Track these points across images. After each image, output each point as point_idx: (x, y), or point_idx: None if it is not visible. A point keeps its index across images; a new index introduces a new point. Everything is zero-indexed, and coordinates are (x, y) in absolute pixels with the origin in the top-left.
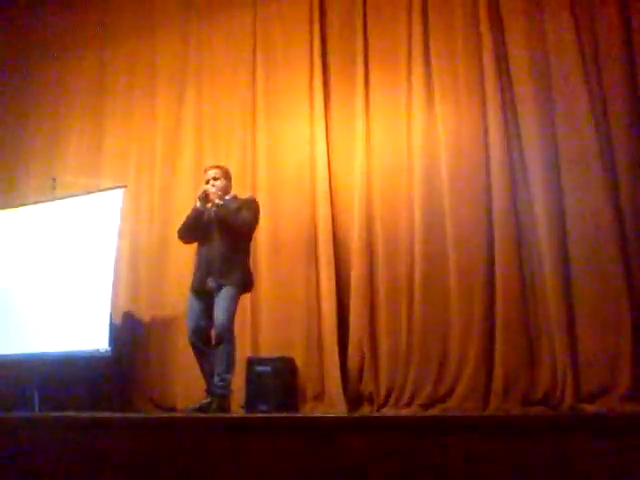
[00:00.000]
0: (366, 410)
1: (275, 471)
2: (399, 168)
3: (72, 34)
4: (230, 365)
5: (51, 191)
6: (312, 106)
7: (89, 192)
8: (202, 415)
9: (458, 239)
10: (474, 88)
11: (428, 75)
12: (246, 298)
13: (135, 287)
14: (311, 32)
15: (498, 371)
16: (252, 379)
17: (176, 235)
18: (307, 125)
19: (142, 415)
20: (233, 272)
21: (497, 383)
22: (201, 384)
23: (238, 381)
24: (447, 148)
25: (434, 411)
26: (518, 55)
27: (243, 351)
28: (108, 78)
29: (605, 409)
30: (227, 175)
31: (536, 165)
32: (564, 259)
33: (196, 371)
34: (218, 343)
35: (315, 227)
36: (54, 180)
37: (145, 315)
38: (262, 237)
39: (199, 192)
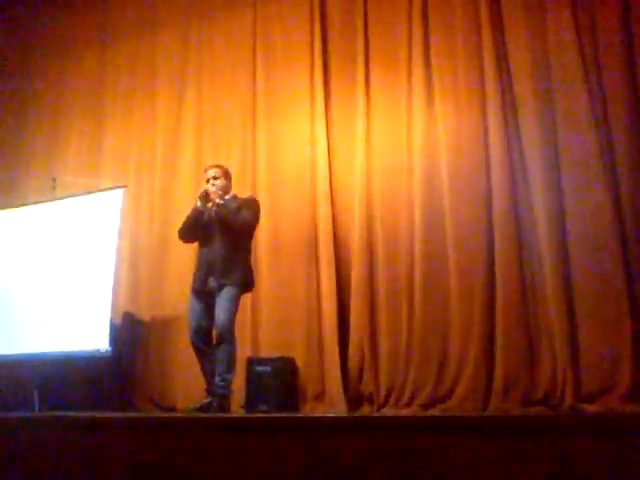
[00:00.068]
0: (366, 410)
1: (275, 471)
2: (399, 168)
3: (72, 34)
4: (231, 365)
5: (51, 191)
6: (312, 106)
7: (89, 192)
8: (202, 415)
9: (458, 239)
10: (474, 88)
11: (428, 75)
12: (246, 298)
13: (135, 287)
14: (311, 32)
15: (498, 371)
16: (252, 379)
17: (177, 235)
18: (307, 125)
19: (142, 415)
20: (234, 272)
21: (497, 383)
22: (201, 384)
23: (238, 381)
24: (447, 148)
25: (434, 411)
26: (518, 55)
27: (243, 351)
28: (108, 78)
29: (605, 409)
30: (227, 175)
31: (536, 165)
32: (564, 259)
33: (196, 371)
34: (219, 343)
35: (315, 227)
36: (54, 180)
37: (145, 315)
38: (262, 237)
39: (199, 192)
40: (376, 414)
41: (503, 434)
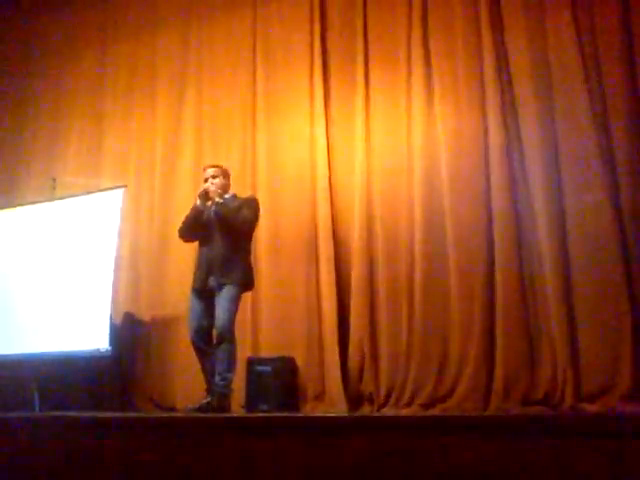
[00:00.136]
0: (366, 410)
1: (275, 471)
2: (399, 168)
3: (72, 34)
4: (231, 364)
5: (51, 191)
6: (312, 106)
7: (89, 192)
8: (202, 415)
9: (458, 239)
10: (474, 88)
11: (428, 75)
12: (246, 297)
13: (135, 287)
14: (311, 32)
15: (498, 371)
16: (252, 379)
17: (177, 234)
18: (307, 125)
19: (142, 415)
20: (234, 271)
21: (497, 383)
22: (201, 384)
23: (238, 381)
24: (447, 148)
25: (434, 411)
26: (518, 55)
27: (243, 351)
28: (108, 78)
29: (605, 409)
30: (226, 174)
31: (536, 165)
32: (564, 259)
33: (196, 371)
34: (219, 342)
35: (315, 227)
36: (54, 180)
37: (145, 315)
38: (262, 236)
39: (199, 190)
40: (376, 414)
41: (503, 434)
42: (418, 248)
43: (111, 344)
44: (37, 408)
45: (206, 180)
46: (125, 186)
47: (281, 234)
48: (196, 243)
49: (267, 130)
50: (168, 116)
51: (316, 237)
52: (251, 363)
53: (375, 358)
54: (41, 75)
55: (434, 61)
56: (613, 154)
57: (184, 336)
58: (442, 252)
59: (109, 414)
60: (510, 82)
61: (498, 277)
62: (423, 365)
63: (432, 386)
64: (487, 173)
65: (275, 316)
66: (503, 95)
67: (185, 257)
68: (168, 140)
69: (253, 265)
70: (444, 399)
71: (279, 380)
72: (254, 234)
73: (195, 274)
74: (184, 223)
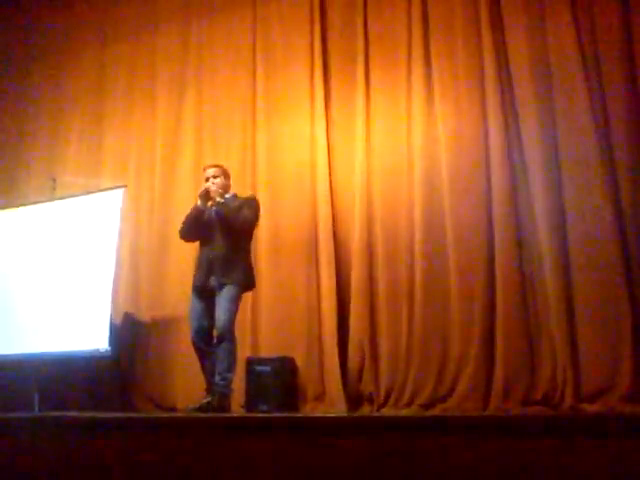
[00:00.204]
0: (366, 410)
1: (275, 471)
2: (399, 168)
3: (72, 34)
4: (231, 364)
5: (51, 191)
6: (312, 106)
7: (89, 192)
8: (202, 415)
9: (458, 239)
10: (474, 88)
11: (428, 75)
12: (247, 298)
13: (135, 287)
14: (311, 32)
15: (498, 371)
16: (252, 379)
17: (177, 235)
18: (307, 125)
19: (142, 415)
20: (234, 271)
21: (497, 383)
22: (201, 384)
23: (238, 381)
24: (447, 148)
25: (434, 411)
26: (518, 55)
27: (243, 351)
28: (108, 78)
29: (605, 409)
30: (226, 174)
31: (536, 165)
32: (564, 259)
33: (196, 371)
34: (219, 342)
35: (315, 227)
36: (54, 180)
37: (145, 315)
38: (262, 237)
39: (199, 190)
40: (376, 414)
41: (503, 434)
42: (418, 248)
43: (111, 344)
44: (37, 408)
45: (207, 180)
46: (125, 186)
47: (281, 234)
48: (196, 243)
49: (267, 130)
50: (168, 116)
51: (316, 237)
52: (251, 363)
53: (375, 358)
54: (41, 75)
55: (434, 61)
56: (613, 154)
57: (184, 336)
58: (442, 252)
59: (109, 414)
60: (510, 82)
61: (498, 277)
62: (423, 365)
63: (432, 386)
64: (487, 173)
65: (275, 316)
66: (503, 95)
67: (185, 257)
68: (168, 140)
69: (254, 265)
70: (444, 399)
71: (279, 380)
72: (254, 234)
73: (195, 274)
74: (185, 223)
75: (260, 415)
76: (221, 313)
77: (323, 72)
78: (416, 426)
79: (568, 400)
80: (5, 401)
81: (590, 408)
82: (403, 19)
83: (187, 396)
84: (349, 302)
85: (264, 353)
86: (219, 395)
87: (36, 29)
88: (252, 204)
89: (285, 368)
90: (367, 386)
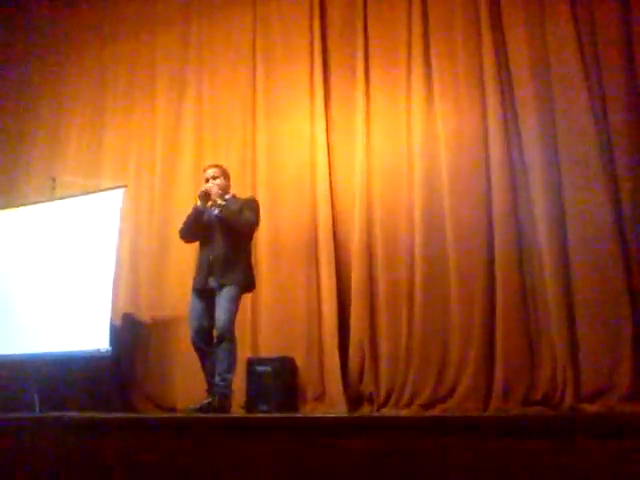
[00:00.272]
0: (366, 410)
1: (275, 471)
2: (399, 168)
3: (72, 33)
4: (231, 365)
5: (51, 191)
6: (312, 105)
7: (89, 192)
8: (202, 415)
9: (458, 240)
10: (474, 88)
11: (428, 74)
12: (247, 299)
13: (135, 287)
14: (311, 31)
15: (498, 372)
16: (252, 379)
17: (177, 235)
18: (307, 124)
19: (142, 415)
20: (235, 272)
21: (497, 383)
22: (201, 384)
23: (238, 381)
24: (447, 148)
25: (434, 412)
26: (518, 55)
27: (243, 352)
28: (108, 78)
29: (605, 409)
30: (225, 174)
31: (536, 165)
32: (564, 259)
33: (196, 371)
34: (219, 342)
35: (315, 228)
36: (54, 180)
37: (145, 315)
38: (262, 237)
39: (199, 191)
40: (376, 414)
41: (503, 434)
42: (418, 250)
43: (111, 344)
44: (37, 408)
45: (207, 181)
46: (125, 186)
47: (281, 234)
48: (196, 244)
49: (267, 129)
50: (168, 115)
51: (316, 238)
52: (251, 363)
53: (375, 359)
54: (41, 75)
55: (434, 60)
56: (613, 154)
57: (184, 337)
58: (442, 253)
59: (109, 414)
60: (510, 82)
61: (498, 278)
62: (423, 366)
63: (432, 387)
64: (487, 173)
65: (275, 317)
66: (503, 95)
67: (185, 257)
68: (168, 139)
69: (254, 266)
70: (444, 400)
71: (279, 380)
72: (254, 234)
73: (196, 276)
74: (185, 224)
75: (260, 415)
76: (221, 313)
77: (323, 71)
78: (416, 426)
79: (568, 400)
80: (5, 401)
81: (590, 408)
82: (403, 19)
83: (187, 396)
84: (349, 303)
85: (264, 353)
86: (219, 396)
87: (36, 29)
88: (252, 205)
89: (285, 368)
90: (367, 386)
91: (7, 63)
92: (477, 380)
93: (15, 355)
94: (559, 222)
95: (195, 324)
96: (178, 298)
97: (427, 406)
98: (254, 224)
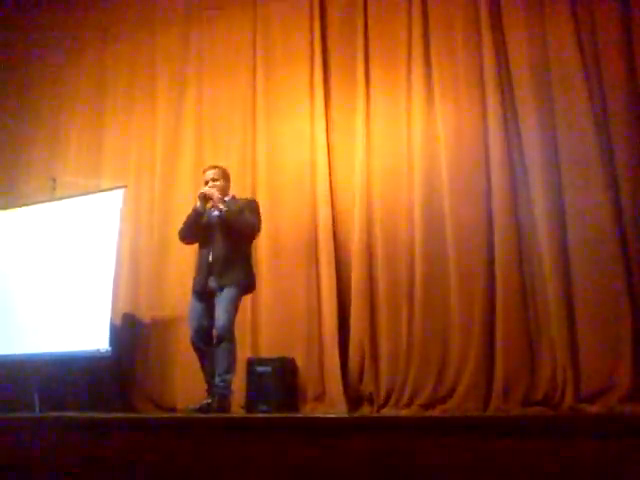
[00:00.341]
0: (366, 410)
1: (275, 471)
2: (399, 168)
3: (72, 33)
4: (231, 365)
5: (51, 191)
6: (312, 105)
7: (89, 192)
8: (202, 415)
9: (458, 240)
10: (474, 88)
11: (428, 74)
12: (247, 299)
13: (135, 287)
14: (311, 31)
15: (498, 371)
16: (252, 379)
17: (177, 236)
18: (307, 124)
19: (142, 415)
20: (234, 273)
21: (497, 383)
22: (201, 384)
23: (238, 381)
24: (447, 148)
25: (434, 412)
26: (518, 55)
27: (243, 352)
28: (108, 78)
29: (605, 409)
30: (225, 175)
31: (536, 165)
32: (564, 259)
33: (196, 372)
34: (219, 343)
35: (315, 228)
36: (54, 180)
37: (145, 315)
38: (262, 237)
39: (199, 192)
40: (376, 414)
41: (503, 434)
42: (418, 250)
43: (111, 345)
44: (37, 408)
45: (206, 183)
46: (125, 186)
47: (281, 234)
48: (197, 244)
49: (267, 130)
50: (168, 116)
51: (316, 238)
52: (251, 363)
53: (375, 359)
54: (41, 75)
55: (434, 61)
56: (613, 154)
57: (184, 337)
58: (442, 253)
59: (109, 414)
60: (510, 82)
61: (498, 277)
62: (423, 366)
63: (432, 387)
64: (487, 173)
65: (275, 317)
66: (503, 95)
67: (185, 258)
68: (168, 140)
69: (254, 267)
70: (444, 400)
71: (279, 380)
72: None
73: (196, 277)
74: (184, 224)
75: (260, 415)
76: (221, 313)
77: (323, 72)
78: (416, 426)
79: (568, 400)
80: (5, 401)
81: (590, 408)
82: (403, 19)
83: (187, 396)
84: (349, 302)
85: (264, 353)
86: (219, 396)
87: (36, 29)
88: (253, 206)
89: (285, 368)
90: (367, 386)
91: (7, 63)
92: (477, 380)
93: (15, 355)
94: (559, 222)
95: (195, 324)
96: (178, 298)
97: (427, 406)
98: (256, 227)
